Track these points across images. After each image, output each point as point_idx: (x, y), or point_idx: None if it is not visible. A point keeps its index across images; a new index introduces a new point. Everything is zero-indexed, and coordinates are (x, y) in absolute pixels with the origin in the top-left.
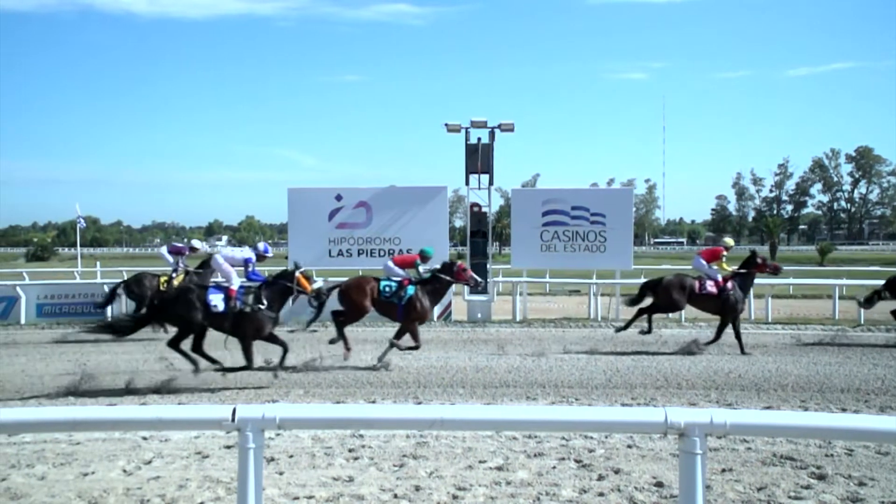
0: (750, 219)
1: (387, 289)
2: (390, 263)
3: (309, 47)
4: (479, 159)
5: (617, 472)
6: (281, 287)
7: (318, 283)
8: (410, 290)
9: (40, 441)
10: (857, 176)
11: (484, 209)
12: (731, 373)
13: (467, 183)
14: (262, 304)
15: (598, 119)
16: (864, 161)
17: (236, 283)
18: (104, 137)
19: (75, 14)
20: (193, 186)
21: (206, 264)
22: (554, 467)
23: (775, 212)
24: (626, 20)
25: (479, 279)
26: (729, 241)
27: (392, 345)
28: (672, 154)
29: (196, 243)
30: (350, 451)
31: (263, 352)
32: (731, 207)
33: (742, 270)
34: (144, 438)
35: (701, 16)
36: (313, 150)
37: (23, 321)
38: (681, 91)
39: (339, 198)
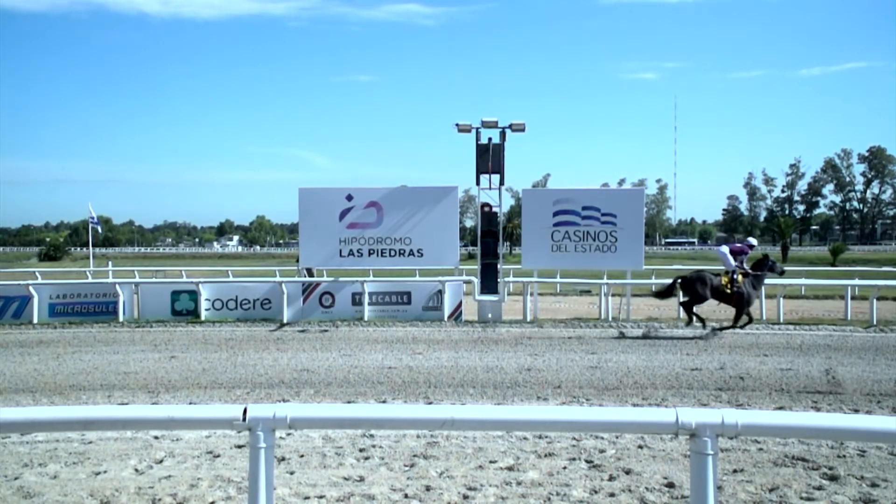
0: (762, 219)
1: None
2: None
3: (320, 47)
4: (489, 159)
5: (628, 472)
6: None
7: None
8: None
9: (53, 440)
10: (869, 176)
11: (494, 209)
12: (743, 373)
13: (478, 183)
14: None
15: (609, 119)
16: (877, 161)
17: None
18: (116, 137)
19: (87, 14)
20: (205, 186)
21: (762, 264)
22: (565, 467)
23: (787, 212)
24: (638, 20)
25: None
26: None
27: None
28: (683, 154)
29: (752, 241)
30: (361, 450)
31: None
32: (743, 208)
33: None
34: (156, 438)
35: (713, 16)
36: (325, 149)
37: (35, 320)
38: (693, 91)
39: (349, 198)
